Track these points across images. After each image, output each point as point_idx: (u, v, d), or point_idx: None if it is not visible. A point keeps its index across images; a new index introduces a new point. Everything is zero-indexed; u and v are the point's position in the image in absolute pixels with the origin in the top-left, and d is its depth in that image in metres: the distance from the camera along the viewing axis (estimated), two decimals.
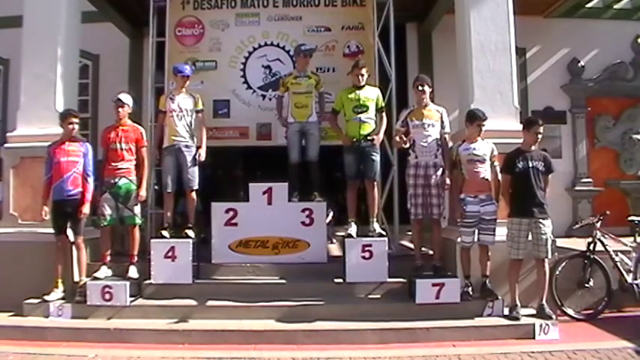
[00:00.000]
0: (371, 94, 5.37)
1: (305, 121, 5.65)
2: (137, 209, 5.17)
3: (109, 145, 5.11)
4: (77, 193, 4.99)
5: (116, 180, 5.05)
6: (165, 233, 5.32)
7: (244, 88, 6.60)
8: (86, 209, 5.01)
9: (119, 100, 5.18)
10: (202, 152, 5.44)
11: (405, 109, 5.34)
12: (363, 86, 5.36)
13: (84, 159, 5.06)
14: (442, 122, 5.15)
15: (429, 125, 5.09)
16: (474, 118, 4.98)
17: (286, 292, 4.96)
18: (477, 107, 5.14)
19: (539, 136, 4.88)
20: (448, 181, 5.04)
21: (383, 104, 5.50)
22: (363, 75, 5.33)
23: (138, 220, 5.19)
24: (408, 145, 5.14)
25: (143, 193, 5.19)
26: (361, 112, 5.27)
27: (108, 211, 5.04)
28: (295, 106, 5.67)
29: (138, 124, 5.39)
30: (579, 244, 5.72)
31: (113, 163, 5.07)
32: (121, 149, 5.09)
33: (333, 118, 5.55)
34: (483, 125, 4.94)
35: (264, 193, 5.41)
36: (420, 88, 5.13)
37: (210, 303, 4.84)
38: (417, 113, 5.15)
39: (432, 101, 5.28)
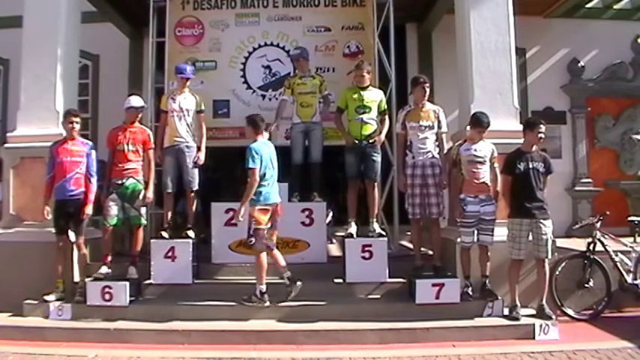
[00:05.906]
0: (374, 96, 5.39)
1: (310, 121, 5.69)
2: (143, 209, 5.17)
3: (115, 146, 5.09)
4: (80, 193, 4.98)
5: (123, 180, 5.04)
6: (165, 234, 5.33)
7: (244, 88, 6.60)
8: (89, 210, 5.00)
9: (135, 107, 5.17)
10: (201, 155, 5.44)
11: (402, 109, 5.36)
12: (367, 87, 5.39)
13: (87, 159, 5.05)
14: (439, 122, 5.16)
15: (425, 127, 5.11)
16: (476, 124, 4.96)
17: (286, 292, 4.94)
18: (477, 107, 5.16)
19: (542, 136, 4.88)
20: (445, 180, 5.04)
21: (386, 107, 5.51)
22: (364, 76, 5.35)
23: (143, 221, 5.19)
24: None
25: (150, 195, 5.19)
26: (363, 113, 5.29)
27: (115, 212, 5.01)
28: (301, 105, 5.71)
29: (140, 124, 5.38)
30: (579, 244, 5.72)
31: (120, 164, 5.05)
32: (128, 150, 5.07)
33: (337, 116, 5.55)
34: (484, 132, 4.95)
35: None
36: (425, 88, 5.12)
37: (210, 303, 4.84)
38: (414, 115, 5.17)
39: (430, 100, 5.29)
